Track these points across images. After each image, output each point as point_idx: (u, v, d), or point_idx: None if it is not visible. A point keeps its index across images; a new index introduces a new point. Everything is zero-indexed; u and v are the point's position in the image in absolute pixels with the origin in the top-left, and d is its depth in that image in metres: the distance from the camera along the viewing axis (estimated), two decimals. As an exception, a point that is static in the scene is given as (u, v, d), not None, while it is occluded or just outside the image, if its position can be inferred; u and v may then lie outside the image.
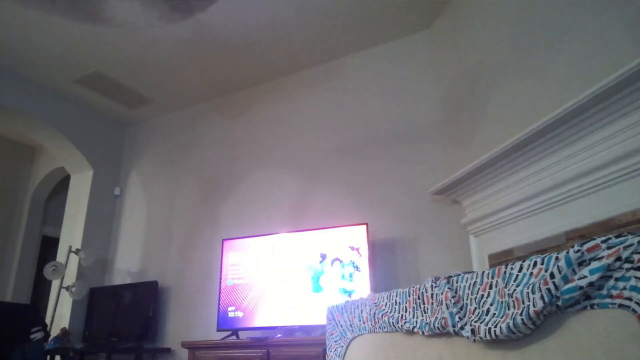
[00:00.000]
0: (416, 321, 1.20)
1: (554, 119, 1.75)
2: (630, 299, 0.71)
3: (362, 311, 1.50)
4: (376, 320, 1.40)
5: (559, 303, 0.80)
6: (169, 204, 3.97)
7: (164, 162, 4.16)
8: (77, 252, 3.77)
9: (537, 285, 0.84)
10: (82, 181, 4.17)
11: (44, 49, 3.36)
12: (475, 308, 1.01)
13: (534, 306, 0.83)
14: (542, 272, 0.84)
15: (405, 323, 1.24)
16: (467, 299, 1.04)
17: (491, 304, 0.97)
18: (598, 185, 1.71)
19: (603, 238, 0.76)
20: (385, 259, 2.87)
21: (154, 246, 3.91)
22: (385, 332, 1.36)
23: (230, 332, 2.96)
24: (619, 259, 0.73)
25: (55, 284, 3.77)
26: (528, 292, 0.86)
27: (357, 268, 2.69)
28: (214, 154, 3.89)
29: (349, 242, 2.76)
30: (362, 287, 2.63)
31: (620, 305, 0.73)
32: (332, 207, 3.17)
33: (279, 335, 2.77)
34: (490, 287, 0.98)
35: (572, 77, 1.89)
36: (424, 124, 3.01)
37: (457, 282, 1.09)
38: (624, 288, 0.72)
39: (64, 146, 4.04)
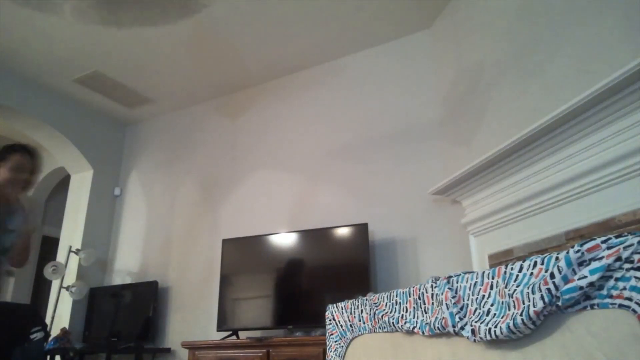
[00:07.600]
0: (416, 321, 1.20)
1: (553, 119, 1.76)
2: (630, 299, 0.71)
3: (362, 311, 1.50)
4: (376, 320, 1.40)
5: (559, 303, 0.80)
6: (169, 204, 3.97)
7: (164, 162, 4.16)
8: (77, 252, 3.77)
9: (537, 286, 0.84)
10: (82, 181, 4.17)
11: (44, 49, 3.36)
12: (475, 308, 1.01)
13: (534, 306, 0.83)
14: (542, 272, 0.84)
15: (405, 323, 1.24)
16: (467, 299, 1.04)
17: (492, 304, 0.97)
18: (598, 185, 1.71)
19: (603, 238, 0.76)
20: (385, 259, 2.87)
21: (154, 246, 3.91)
22: (385, 332, 1.36)
23: (230, 332, 2.96)
24: (619, 259, 0.73)
25: (55, 284, 3.77)
26: (528, 292, 0.86)
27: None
28: (214, 154, 3.89)
29: (349, 242, 2.76)
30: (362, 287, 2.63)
31: (620, 306, 0.73)
32: (332, 207, 3.17)
33: (279, 335, 2.77)
34: (491, 287, 0.98)
35: (572, 77, 1.89)
36: (424, 124, 3.01)
37: (457, 282, 1.09)
38: (624, 288, 0.72)
39: (64, 146, 4.04)
